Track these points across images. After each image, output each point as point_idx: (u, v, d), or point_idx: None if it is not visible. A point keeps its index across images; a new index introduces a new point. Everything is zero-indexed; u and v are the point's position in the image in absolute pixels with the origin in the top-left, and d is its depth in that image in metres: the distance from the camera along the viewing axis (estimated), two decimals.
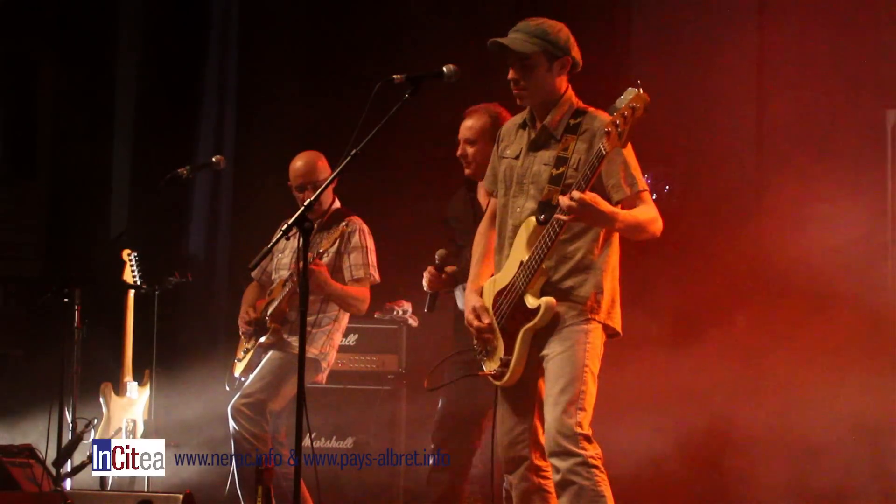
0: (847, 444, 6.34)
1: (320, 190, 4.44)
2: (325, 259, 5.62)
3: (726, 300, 6.87)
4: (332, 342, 5.79)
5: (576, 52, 4.19)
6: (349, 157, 4.18)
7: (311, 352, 5.68)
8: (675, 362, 6.75)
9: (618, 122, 3.79)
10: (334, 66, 7.85)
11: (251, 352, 5.78)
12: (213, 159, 5.87)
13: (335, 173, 4.23)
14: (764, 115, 7.12)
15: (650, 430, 6.66)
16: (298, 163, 5.81)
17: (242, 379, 5.83)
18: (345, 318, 5.85)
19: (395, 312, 6.92)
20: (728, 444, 6.76)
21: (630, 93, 3.80)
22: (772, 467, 6.60)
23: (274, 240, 4.32)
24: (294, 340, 5.58)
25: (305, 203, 4.20)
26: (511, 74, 4.17)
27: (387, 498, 6.76)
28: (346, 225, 5.71)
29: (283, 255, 5.86)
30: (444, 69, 4.21)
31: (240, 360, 5.85)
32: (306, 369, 5.50)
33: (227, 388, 5.92)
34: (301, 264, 5.22)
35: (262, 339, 5.72)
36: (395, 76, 4.20)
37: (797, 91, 6.91)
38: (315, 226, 5.67)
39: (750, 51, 7.14)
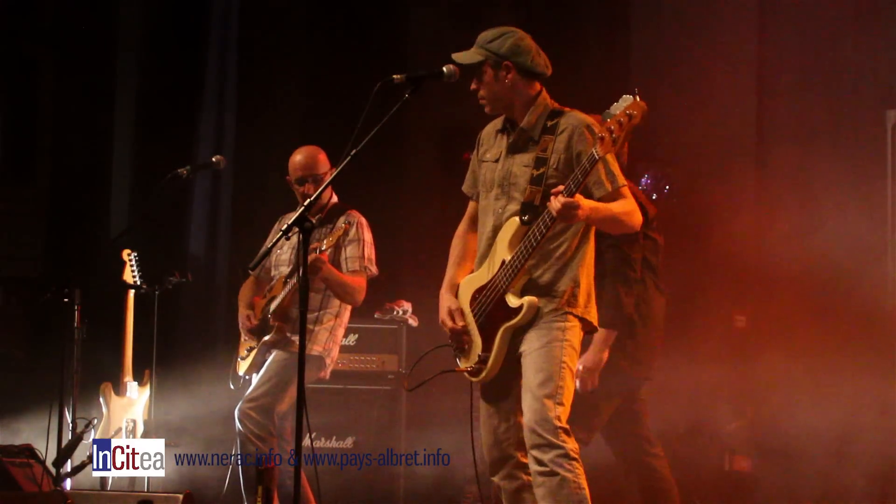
0: (844, 445, 6.34)
1: (321, 189, 4.44)
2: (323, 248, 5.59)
3: (725, 300, 6.88)
4: (335, 338, 5.79)
5: (521, 58, 4.21)
6: (349, 157, 4.19)
7: (315, 349, 5.67)
8: (674, 361, 6.74)
9: (612, 128, 3.82)
10: (334, 66, 7.85)
11: (255, 350, 5.77)
12: (213, 159, 5.86)
13: (335, 172, 4.23)
14: (764, 114, 7.12)
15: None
16: (298, 156, 5.80)
17: (247, 377, 5.82)
18: (346, 314, 5.84)
19: (395, 312, 6.92)
20: (726, 445, 6.76)
21: (626, 100, 3.85)
22: (768, 468, 6.60)
23: (274, 239, 4.31)
24: (297, 339, 5.57)
25: (305, 203, 4.19)
26: (472, 85, 4.26)
27: (387, 498, 6.77)
28: (347, 220, 5.72)
29: (283, 252, 5.85)
30: (444, 69, 4.23)
31: (243, 359, 5.83)
32: (310, 367, 5.53)
33: (232, 387, 5.90)
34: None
35: (266, 338, 5.71)
36: (395, 76, 4.21)
37: (797, 91, 6.92)
38: (314, 222, 5.68)
39: (750, 51, 7.14)
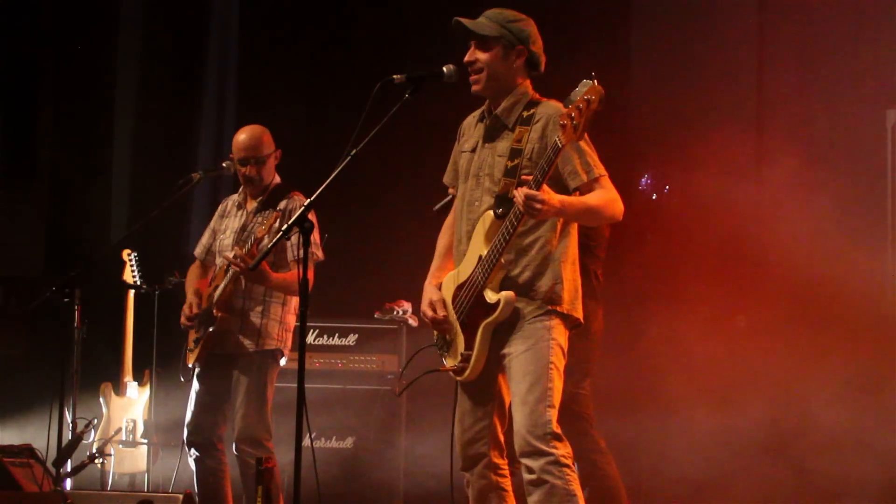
0: (845, 444, 6.34)
1: (320, 189, 4.38)
2: (265, 242, 5.35)
3: (725, 300, 6.88)
4: (287, 326, 5.57)
5: (536, 48, 4.18)
6: (349, 158, 4.18)
7: (269, 344, 5.47)
8: (674, 361, 6.75)
9: (573, 114, 3.75)
10: (334, 66, 7.86)
11: (203, 341, 5.59)
12: (224, 164, 5.79)
13: (335, 172, 4.21)
14: (764, 114, 7.12)
15: (648, 429, 6.68)
16: (242, 136, 5.58)
17: (198, 369, 5.65)
18: (293, 299, 5.59)
19: (394, 312, 6.91)
20: (728, 445, 6.77)
21: (585, 85, 3.77)
22: (769, 467, 6.60)
23: (274, 240, 4.27)
24: (246, 341, 5.46)
25: (305, 203, 4.16)
26: (468, 56, 4.16)
27: (387, 498, 6.77)
28: (287, 201, 5.54)
29: (226, 236, 5.64)
30: (444, 69, 4.21)
31: (191, 351, 5.61)
32: (268, 364, 5.40)
33: (182, 380, 5.67)
34: (247, 248, 5.14)
35: (211, 329, 5.53)
36: (395, 76, 4.19)
37: (797, 91, 6.92)
38: (255, 204, 5.57)
39: (750, 50, 7.15)
